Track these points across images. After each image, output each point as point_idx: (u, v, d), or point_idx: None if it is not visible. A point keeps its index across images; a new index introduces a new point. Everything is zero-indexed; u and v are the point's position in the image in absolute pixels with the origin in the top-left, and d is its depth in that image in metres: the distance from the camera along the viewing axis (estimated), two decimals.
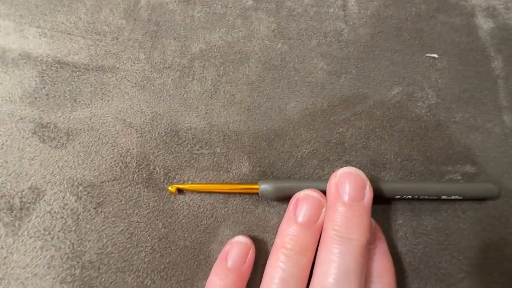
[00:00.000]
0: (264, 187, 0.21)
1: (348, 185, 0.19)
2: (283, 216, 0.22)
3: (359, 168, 0.23)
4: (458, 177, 0.23)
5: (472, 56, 0.26)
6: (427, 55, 0.25)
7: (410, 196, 0.21)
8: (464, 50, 0.26)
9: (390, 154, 0.23)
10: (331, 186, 0.20)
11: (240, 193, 0.22)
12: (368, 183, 0.19)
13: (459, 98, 0.25)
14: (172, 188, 0.21)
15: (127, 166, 0.22)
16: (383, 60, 0.25)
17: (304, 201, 0.20)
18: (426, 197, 0.21)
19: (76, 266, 0.20)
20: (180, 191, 0.22)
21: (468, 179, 0.23)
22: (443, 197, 0.21)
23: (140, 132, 0.23)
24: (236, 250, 0.20)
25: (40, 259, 0.20)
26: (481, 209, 0.22)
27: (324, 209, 0.20)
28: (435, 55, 0.25)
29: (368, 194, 0.19)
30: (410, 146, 0.23)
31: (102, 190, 0.22)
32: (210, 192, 0.22)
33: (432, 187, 0.21)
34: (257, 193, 0.21)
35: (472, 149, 0.23)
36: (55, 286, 0.20)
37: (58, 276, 0.20)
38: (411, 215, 0.22)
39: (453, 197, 0.21)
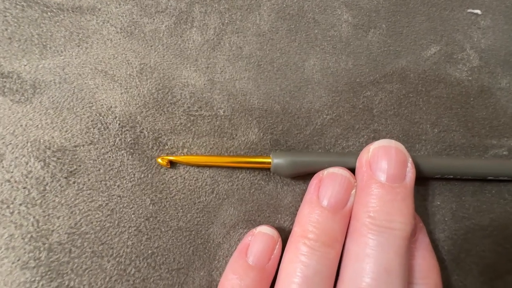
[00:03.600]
0: (277, 161, 0.17)
1: (385, 161, 0.15)
2: (299, 194, 0.18)
3: (390, 139, 0.19)
4: (504, 153, 0.19)
5: None
6: (469, 11, 0.22)
7: (451, 176, 0.18)
8: (510, 7, 0.22)
9: (425, 123, 0.19)
10: (362, 164, 0.16)
11: (247, 168, 0.18)
12: (410, 160, 0.16)
13: (504, 62, 0.21)
14: (162, 161, 0.17)
15: (108, 127, 0.18)
16: (418, 15, 0.21)
17: (329, 180, 0.16)
18: (470, 177, 0.18)
19: (42, 248, 0.16)
20: (172, 163, 0.18)
21: None
22: (490, 177, 0.18)
23: (125, 87, 0.18)
24: (259, 244, 0.16)
25: None
26: None
27: (353, 191, 0.16)
28: (478, 11, 0.22)
29: (411, 173, 0.16)
30: (449, 115, 0.20)
31: (76, 156, 0.17)
32: (210, 166, 0.18)
33: (478, 165, 0.18)
34: (268, 168, 0.17)
35: None
36: (14, 272, 0.16)
37: (18, 260, 0.16)
38: (450, 195, 0.19)
39: (500, 177, 0.18)
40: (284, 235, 0.17)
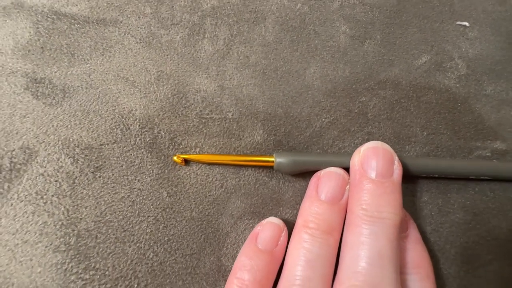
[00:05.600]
0: (280, 160, 0.19)
1: (374, 161, 0.17)
2: (299, 189, 0.20)
3: (383, 141, 0.21)
4: (487, 154, 0.21)
5: (505, 26, 0.24)
6: (458, 23, 0.24)
7: (437, 175, 0.19)
8: (497, 19, 0.24)
9: (415, 127, 0.21)
10: (354, 163, 0.18)
11: (253, 166, 0.20)
12: (396, 158, 0.18)
13: (490, 70, 0.23)
14: (178, 159, 0.19)
15: (129, 128, 0.20)
16: (411, 27, 0.23)
17: (326, 178, 0.18)
18: (454, 176, 0.20)
19: (71, 234, 0.18)
20: (187, 161, 0.20)
21: (498, 157, 0.21)
22: (472, 177, 0.20)
23: (144, 92, 0.21)
24: (267, 231, 0.18)
25: (31, 225, 0.18)
26: (511, 188, 0.21)
27: (348, 187, 0.18)
28: (466, 24, 0.23)
29: (398, 170, 0.17)
30: (437, 119, 0.22)
31: (101, 154, 0.19)
32: (220, 164, 0.20)
33: (461, 166, 0.20)
34: (272, 167, 0.20)
35: (503, 124, 0.22)
36: (47, 255, 0.18)
37: (51, 244, 0.18)
38: (437, 192, 0.20)
39: (482, 177, 0.20)
40: (287, 225, 0.19)
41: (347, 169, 0.19)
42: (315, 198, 0.18)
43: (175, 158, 0.19)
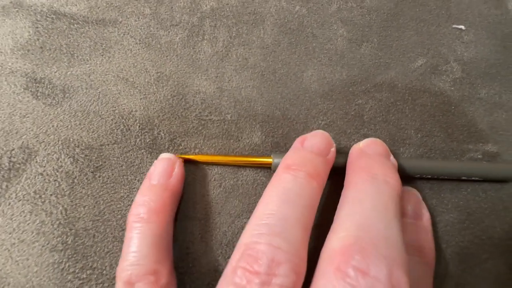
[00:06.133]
0: (277, 161, 0.19)
1: (374, 146, 0.18)
2: None
3: None
4: (479, 156, 0.22)
5: (500, 30, 0.24)
6: (454, 26, 0.24)
7: (429, 176, 0.20)
8: (492, 23, 0.24)
9: (410, 129, 0.22)
10: (354, 150, 0.18)
11: (251, 166, 0.20)
12: (390, 154, 0.19)
13: (484, 74, 0.23)
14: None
15: (129, 129, 0.20)
16: (407, 30, 0.24)
17: (312, 135, 0.18)
18: (446, 177, 0.20)
19: (69, 233, 0.19)
20: (187, 161, 0.20)
21: (489, 159, 0.22)
22: (463, 178, 0.20)
23: (144, 93, 0.21)
24: (158, 166, 0.18)
25: (28, 224, 0.19)
26: (502, 189, 0.21)
27: (333, 149, 0.18)
28: (462, 27, 0.24)
29: (394, 161, 0.18)
30: (431, 121, 0.22)
31: (101, 154, 0.20)
32: (218, 164, 0.20)
33: (453, 167, 0.20)
34: (269, 167, 0.20)
35: (495, 127, 0.22)
36: (44, 254, 0.18)
37: (48, 244, 0.18)
38: (431, 193, 0.21)
39: (473, 178, 0.20)
40: None
41: (340, 169, 0.19)
42: (300, 148, 0.18)
43: None
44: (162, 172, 0.18)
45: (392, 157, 0.18)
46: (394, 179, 0.16)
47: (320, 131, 0.19)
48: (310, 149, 0.17)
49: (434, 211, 0.21)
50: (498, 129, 0.22)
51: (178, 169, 0.18)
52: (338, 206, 0.16)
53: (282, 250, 0.13)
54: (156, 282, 0.15)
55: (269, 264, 0.13)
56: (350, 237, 0.13)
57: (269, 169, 0.21)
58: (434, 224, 0.20)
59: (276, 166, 0.19)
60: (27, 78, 0.20)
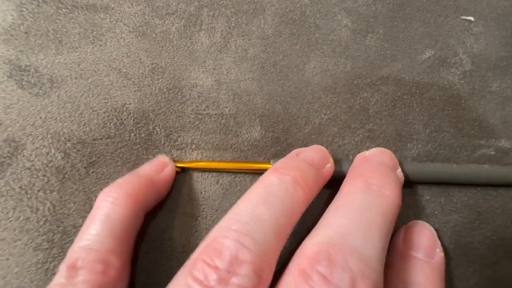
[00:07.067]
0: None
1: (381, 155, 0.18)
2: None
3: (384, 138, 0.21)
4: (492, 153, 0.21)
5: (510, 21, 0.23)
6: (462, 17, 0.23)
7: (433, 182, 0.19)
8: (502, 14, 0.23)
9: (418, 124, 0.21)
10: (359, 159, 0.18)
11: (250, 173, 0.19)
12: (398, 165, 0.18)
13: (495, 66, 0.22)
14: (176, 169, 0.19)
15: (123, 123, 0.19)
16: (414, 21, 0.23)
17: (309, 149, 0.18)
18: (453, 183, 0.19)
19: (56, 231, 0.18)
20: (183, 169, 0.19)
21: (502, 155, 0.21)
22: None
23: (138, 85, 0.20)
24: (150, 162, 0.18)
25: (10, 221, 0.18)
26: None
27: (329, 165, 0.17)
28: (471, 18, 0.23)
29: (401, 175, 0.18)
30: (440, 116, 0.21)
31: (94, 149, 0.19)
32: (217, 171, 0.19)
33: (461, 174, 0.19)
34: None
35: (508, 122, 0.21)
36: (26, 253, 0.17)
37: (31, 242, 0.17)
38: (439, 190, 0.20)
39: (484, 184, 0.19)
40: None
41: (339, 177, 0.18)
42: (294, 156, 0.17)
43: None
44: (151, 167, 0.18)
45: (399, 170, 0.17)
46: (392, 192, 0.15)
47: (318, 146, 0.18)
48: (303, 158, 0.17)
49: (442, 210, 0.19)
50: (511, 124, 0.21)
51: (168, 169, 0.18)
52: (325, 211, 0.15)
53: (248, 249, 0.13)
54: (103, 273, 0.14)
55: (231, 261, 0.12)
56: (323, 244, 0.13)
57: None
58: (443, 224, 0.19)
59: None
60: (10, 65, 0.19)
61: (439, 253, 0.17)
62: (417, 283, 0.16)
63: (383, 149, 0.18)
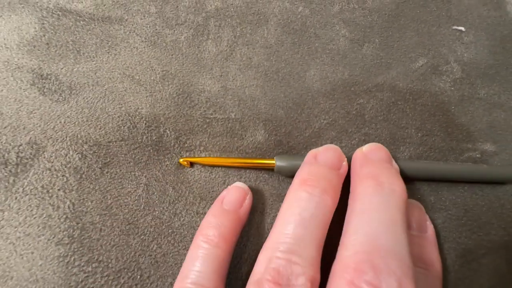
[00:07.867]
0: (280, 164, 0.20)
1: (378, 152, 0.19)
2: None
3: (379, 142, 0.22)
4: (477, 155, 0.22)
5: (499, 31, 0.25)
6: (454, 27, 0.24)
7: (426, 179, 0.21)
8: (492, 24, 0.25)
9: (411, 128, 0.22)
10: (357, 155, 0.19)
11: (255, 168, 0.21)
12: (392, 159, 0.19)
13: (484, 74, 0.24)
14: (184, 162, 0.20)
15: (136, 126, 0.21)
16: (408, 31, 0.24)
17: (324, 150, 0.19)
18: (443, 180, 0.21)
19: (75, 227, 0.19)
20: (192, 164, 0.20)
21: (487, 158, 0.22)
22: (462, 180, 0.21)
23: (149, 91, 0.21)
24: (232, 193, 0.19)
25: (35, 218, 0.19)
26: (498, 187, 0.22)
27: (344, 163, 0.19)
28: (462, 28, 0.24)
29: (396, 165, 0.19)
30: (432, 121, 0.22)
31: (109, 150, 0.20)
32: (224, 166, 0.21)
33: (451, 171, 0.21)
34: (272, 169, 0.20)
35: (494, 127, 0.23)
36: (49, 248, 0.19)
37: (53, 237, 0.19)
38: (429, 190, 0.21)
39: (472, 181, 0.21)
40: None
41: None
42: (314, 162, 0.18)
43: (181, 161, 0.20)
44: (235, 200, 0.19)
45: (393, 161, 0.19)
46: (400, 186, 0.17)
47: (331, 145, 0.19)
48: (324, 163, 0.18)
49: (432, 207, 0.21)
50: (497, 129, 0.23)
51: (248, 200, 0.19)
52: (346, 218, 0.17)
53: (298, 265, 0.15)
54: None
55: (288, 277, 0.15)
56: (361, 253, 0.15)
57: (272, 171, 0.21)
58: (432, 220, 0.21)
59: (280, 168, 0.20)
60: (33, 74, 0.21)
61: (430, 225, 0.19)
62: (414, 255, 0.17)
63: (376, 144, 0.19)
